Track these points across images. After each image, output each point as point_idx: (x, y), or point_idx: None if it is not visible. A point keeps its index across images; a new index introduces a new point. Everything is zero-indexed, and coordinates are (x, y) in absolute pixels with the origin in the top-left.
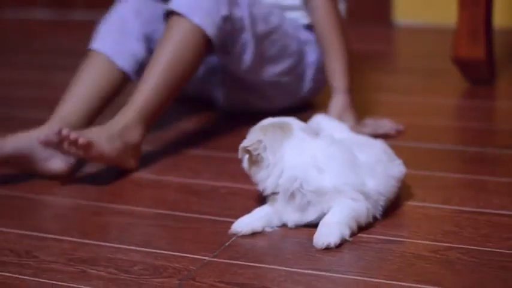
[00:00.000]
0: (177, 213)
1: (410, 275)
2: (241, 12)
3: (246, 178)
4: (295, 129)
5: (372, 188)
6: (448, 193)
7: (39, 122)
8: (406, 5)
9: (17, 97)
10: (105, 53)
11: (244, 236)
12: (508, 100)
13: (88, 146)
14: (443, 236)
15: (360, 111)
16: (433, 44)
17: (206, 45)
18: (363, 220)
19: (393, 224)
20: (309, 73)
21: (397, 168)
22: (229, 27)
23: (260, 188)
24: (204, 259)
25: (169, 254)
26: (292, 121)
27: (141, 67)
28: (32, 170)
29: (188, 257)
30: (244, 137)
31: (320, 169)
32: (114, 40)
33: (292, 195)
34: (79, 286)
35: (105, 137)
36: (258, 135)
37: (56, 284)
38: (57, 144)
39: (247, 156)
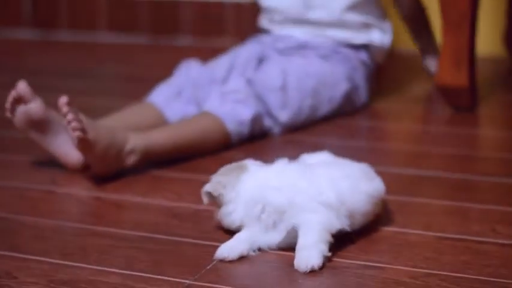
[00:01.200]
0: (158, 236)
1: None
2: (272, 122)
3: None
4: (250, 166)
5: (332, 198)
6: (429, 219)
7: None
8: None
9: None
10: (157, 104)
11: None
12: (490, 128)
13: (81, 132)
14: (424, 262)
15: (344, 135)
16: (416, 70)
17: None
18: (333, 228)
19: (374, 249)
20: (361, 90)
21: (371, 185)
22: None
23: (227, 224)
24: (185, 282)
25: (150, 277)
26: (248, 162)
27: None
28: (51, 149)
29: (168, 280)
30: (226, 161)
31: (275, 188)
32: (168, 97)
33: (258, 220)
34: None
35: (105, 136)
36: (217, 178)
37: None
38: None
39: (208, 199)
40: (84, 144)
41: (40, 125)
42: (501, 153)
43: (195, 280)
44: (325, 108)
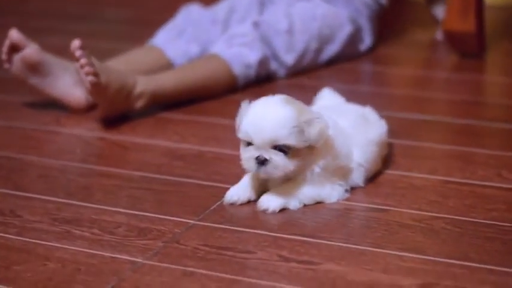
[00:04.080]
0: (163, 176)
1: (394, 242)
2: (278, 65)
3: (233, 144)
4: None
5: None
6: (434, 163)
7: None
8: None
9: None
10: (158, 45)
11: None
12: (497, 74)
13: (94, 76)
14: (428, 206)
15: (348, 80)
16: (423, 16)
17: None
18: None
19: (378, 192)
20: (365, 32)
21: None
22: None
23: None
24: (189, 222)
25: (154, 217)
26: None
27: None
28: (53, 92)
29: (173, 220)
30: (231, 104)
31: None
32: (169, 38)
33: None
34: (63, 246)
35: (115, 79)
36: None
37: (40, 243)
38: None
39: None
40: (96, 88)
41: (38, 69)
42: (507, 100)
43: (199, 220)
44: (329, 51)
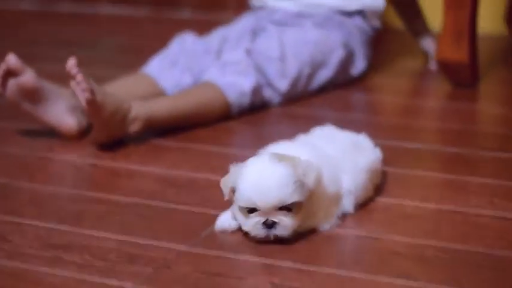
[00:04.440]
0: (155, 203)
1: (386, 269)
2: (272, 92)
3: (225, 171)
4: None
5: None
6: (426, 191)
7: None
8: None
9: None
10: (151, 74)
11: None
12: (490, 103)
13: (90, 93)
14: (420, 234)
15: (340, 108)
16: (412, 46)
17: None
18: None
19: (370, 220)
20: (358, 56)
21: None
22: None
23: None
24: (180, 249)
25: (145, 243)
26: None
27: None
28: (45, 119)
29: (164, 246)
30: (224, 131)
31: None
32: (162, 67)
33: None
34: (53, 272)
35: (111, 101)
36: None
37: (30, 268)
38: (69, 77)
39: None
40: (92, 106)
41: (33, 95)
42: (500, 129)
43: (191, 246)
44: (322, 76)
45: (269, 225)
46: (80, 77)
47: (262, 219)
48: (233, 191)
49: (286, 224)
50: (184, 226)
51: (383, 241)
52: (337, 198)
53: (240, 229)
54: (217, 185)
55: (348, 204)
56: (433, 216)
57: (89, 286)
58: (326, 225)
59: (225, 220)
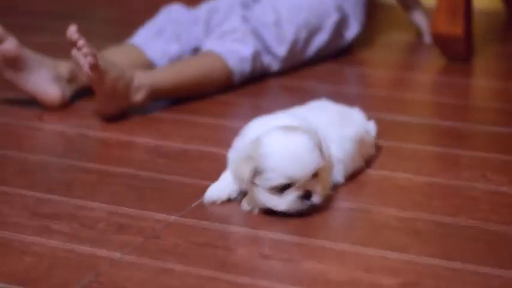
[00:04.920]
0: (145, 173)
1: (377, 242)
2: (271, 58)
3: (217, 142)
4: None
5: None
6: (419, 164)
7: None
8: None
9: None
10: (137, 44)
11: None
12: (484, 78)
13: (93, 57)
14: (412, 206)
15: (333, 81)
16: (404, 22)
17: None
18: None
19: (362, 192)
20: (352, 20)
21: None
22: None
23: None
24: (170, 219)
25: (135, 213)
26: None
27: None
28: (29, 88)
29: (153, 216)
30: (213, 102)
31: None
32: (148, 37)
33: None
34: (41, 240)
35: (114, 68)
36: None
37: (18, 237)
38: (71, 44)
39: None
40: (95, 71)
41: (15, 63)
42: (494, 103)
43: (180, 217)
44: (319, 40)
45: (307, 196)
46: (81, 42)
47: (300, 192)
48: (256, 171)
49: (319, 190)
50: (174, 197)
51: (374, 214)
52: (329, 167)
53: (229, 200)
54: (208, 156)
55: (337, 173)
56: (425, 189)
57: (77, 255)
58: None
59: (215, 191)
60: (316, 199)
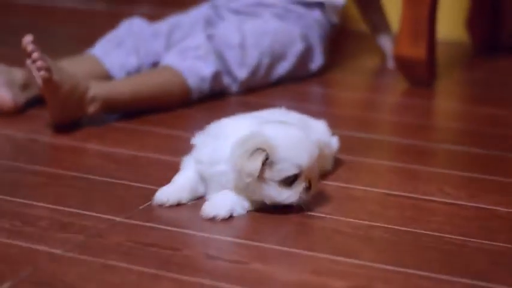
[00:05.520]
0: (93, 177)
1: (327, 247)
2: (231, 80)
3: (170, 151)
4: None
5: None
6: (376, 177)
7: None
8: (351, 7)
9: None
10: (96, 55)
11: None
12: (446, 101)
13: (46, 71)
14: (366, 215)
15: (297, 99)
16: (370, 48)
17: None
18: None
19: (314, 201)
20: (317, 50)
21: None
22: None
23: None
24: (114, 220)
25: (79, 213)
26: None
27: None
28: None
29: (98, 216)
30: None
31: None
32: (107, 49)
33: None
34: None
35: (68, 80)
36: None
37: None
38: (25, 54)
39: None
40: (48, 85)
41: None
42: (453, 123)
43: (126, 218)
44: (281, 68)
45: (310, 186)
46: (36, 55)
47: (306, 183)
48: (267, 164)
49: (316, 180)
50: (122, 200)
51: (326, 220)
52: None
53: (178, 204)
54: (159, 163)
55: None
56: (380, 200)
57: (17, 250)
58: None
59: (164, 194)
60: (314, 189)
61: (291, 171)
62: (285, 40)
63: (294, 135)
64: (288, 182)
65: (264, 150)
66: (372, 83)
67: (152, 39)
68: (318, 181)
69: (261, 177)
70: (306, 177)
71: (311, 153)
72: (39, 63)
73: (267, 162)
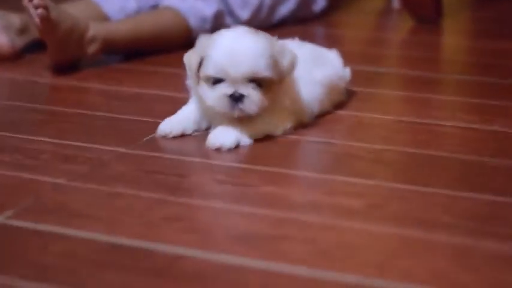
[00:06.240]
0: (96, 113)
1: (341, 170)
2: (233, 20)
3: (173, 88)
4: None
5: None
6: (388, 106)
7: None
8: None
9: None
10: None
11: None
12: (453, 37)
13: (44, 9)
14: (378, 140)
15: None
16: None
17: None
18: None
19: (326, 128)
20: None
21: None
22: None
23: None
24: (119, 150)
25: (82, 146)
26: None
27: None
28: None
29: (102, 148)
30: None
31: None
32: None
33: None
34: None
35: (67, 19)
36: None
37: None
38: None
39: None
40: (46, 24)
41: None
42: (462, 56)
43: (131, 149)
44: (284, 9)
45: (236, 98)
46: None
47: (230, 91)
48: (202, 60)
49: (254, 98)
50: (125, 133)
51: (338, 146)
52: (293, 105)
53: (182, 135)
54: (162, 99)
55: (302, 114)
56: (392, 126)
57: (18, 181)
58: (279, 130)
59: (168, 125)
60: (247, 105)
61: (210, 71)
62: None
63: (236, 41)
64: (212, 83)
65: (202, 49)
66: (377, 22)
67: None
68: (265, 100)
69: (197, 75)
70: (233, 86)
71: (243, 62)
72: (36, 0)
73: (201, 61)
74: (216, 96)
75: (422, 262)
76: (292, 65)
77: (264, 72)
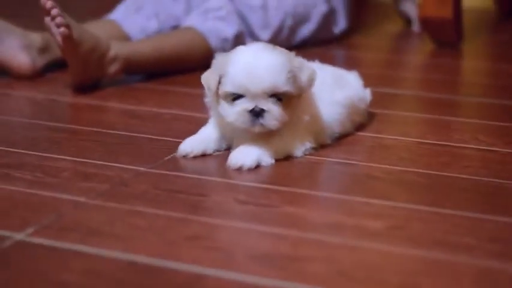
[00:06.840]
0: (116, 132)
1: (361, 191)
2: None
3: (192, 107)
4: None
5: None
6: (408, 128)
7: None
8: None
9: None
10: (116, 19)
11: None
12: (473, 60)
13: (66, 28)
14: (399, 162)
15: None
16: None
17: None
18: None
19: (347, 150)
20: (340, 14)
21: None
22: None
23: None
24: (139, 169)
25: (102, 164)
26: None
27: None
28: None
29: (122, 167)
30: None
31: None
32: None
33: None
34: (1, 186)
35: (89, 38)
36: None
37: None
38: (44, 12)
39: None
40: (68, 43)
41: None
42: (482, 79)
43: (151, 168)
44: (304, 31)
45: (257, 112)
46: (55, 11)
47: (250, 106)
48: (220, 78)
49: (275, 113)
50: (145, 152)
51: (359, 166)
52: (318, 128)
53: (203, 155)
54: (182, 118)
55: (323, 135)
56: (413, 148)
57: (39, 198)
58: (299, 151)
59: (188, 145)
60: (267, 120)
61: (229, 88)
62: (308, 2)
63: (254, 57)
64: (231, 99)
65: (220, 67)
66: (397, 45)
67: (172, 3)
68: (284, 114)
69: (217, 94)
70: (253, 101)
71: (262, 78)
72: (58, 19)
73: (220, 79)
74: (236, 112)
75: (445, 284)
76: (311, 80)
77: (284, 87)
